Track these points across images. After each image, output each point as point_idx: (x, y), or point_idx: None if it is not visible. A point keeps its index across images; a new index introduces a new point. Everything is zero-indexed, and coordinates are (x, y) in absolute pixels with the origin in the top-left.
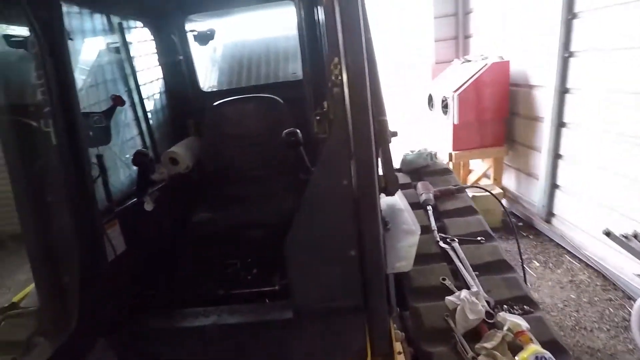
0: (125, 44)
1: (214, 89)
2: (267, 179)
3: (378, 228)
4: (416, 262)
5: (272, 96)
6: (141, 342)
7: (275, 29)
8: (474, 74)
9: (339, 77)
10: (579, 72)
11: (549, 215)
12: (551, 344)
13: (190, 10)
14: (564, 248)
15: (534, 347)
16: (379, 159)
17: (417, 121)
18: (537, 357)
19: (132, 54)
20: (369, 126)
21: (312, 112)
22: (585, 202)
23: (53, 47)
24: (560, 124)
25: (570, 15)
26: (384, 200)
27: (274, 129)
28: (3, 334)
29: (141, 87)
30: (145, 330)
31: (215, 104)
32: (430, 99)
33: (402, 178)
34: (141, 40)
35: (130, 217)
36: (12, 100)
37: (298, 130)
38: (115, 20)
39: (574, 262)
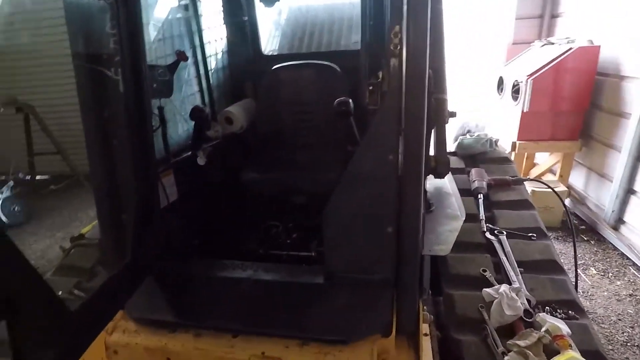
0: (194, 1)
1: (274, 53)
2: (317, 147)
3: (419, 208)
4: (457, 250)
5: (330, 64)
6: (181, 285)
7: None
8: (555, 58)
9: (398, 47)
10: None
11: (618, 221)
12: (593, 355)
13: None
14: (629, 259)
15: (572, 354)
16: (432, 139)
17: (483, 105)
18: None
19: (199, 12)
20: (423, 102)
21: (366, 83)
22: None
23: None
24: None
25: None
26: (432, 182)
27: (328, 97)
28: (72, 260)
29: (205, 46)
30: (186, 274)
31: (274, 68)
32: (500, 82)
33: (456, 162)
34: None
35: (183, 169)
36: (88, 48)
37: (350, 100)
38: None
39: (638, 275)
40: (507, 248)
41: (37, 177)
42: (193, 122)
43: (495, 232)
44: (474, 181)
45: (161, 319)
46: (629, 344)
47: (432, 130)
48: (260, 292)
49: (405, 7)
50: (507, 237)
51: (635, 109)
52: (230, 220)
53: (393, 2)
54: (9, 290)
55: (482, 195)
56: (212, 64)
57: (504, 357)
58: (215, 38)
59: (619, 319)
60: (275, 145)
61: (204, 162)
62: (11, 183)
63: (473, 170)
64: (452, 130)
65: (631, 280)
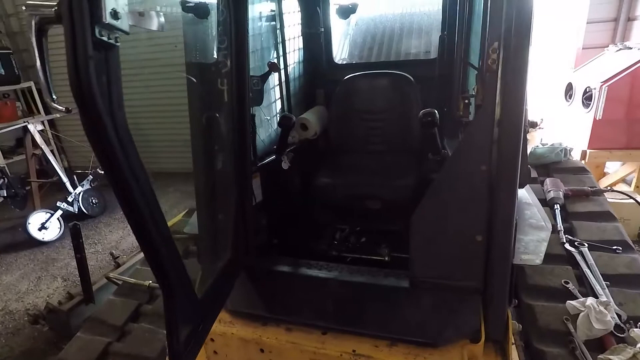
0: (280, 14)
1: (345, 62)
2: (389, 154)
3: (512, 217)
4: None
5: (403, 74)
6: (269, 281)
7: (411, 6)
8: (634, 64)
9: (496, 63)
10: None
11: None
12: None
13: None
14: None
15: None
16: None
17: (550, 112)
18: None
19: (283, 24)
20: (521, 117)
21: (458, 94)
22: None
23: (237, 17)
24: None
25: None
26: None
27: (401, 106)
28: None
29: (287, 55)
30: (273, 271)
31: (347, 77)
32: (569, 88)
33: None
34: (290, 11)
35: (268, 172)
36: (200, 60)
37: (435, 111)
38: None
39: None
40: (590, 260)
41: None
42: (279, 128)
43: (576, 243)
44: (550, 191)
45: (254, 312)
46: None
47: None
48: (346, 292)
49: (503, 25)
50: (589, 249)
51: None
52: (305, 223)
53: (492, 20)
54: (171, 279)
55: (558, 205)
56: (290, 72)
57: None
58: (294, 48)
59: None
60: (347, 151)
61: (287, 166)
62: (90, 177)
63: (548, 180)
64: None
65: None
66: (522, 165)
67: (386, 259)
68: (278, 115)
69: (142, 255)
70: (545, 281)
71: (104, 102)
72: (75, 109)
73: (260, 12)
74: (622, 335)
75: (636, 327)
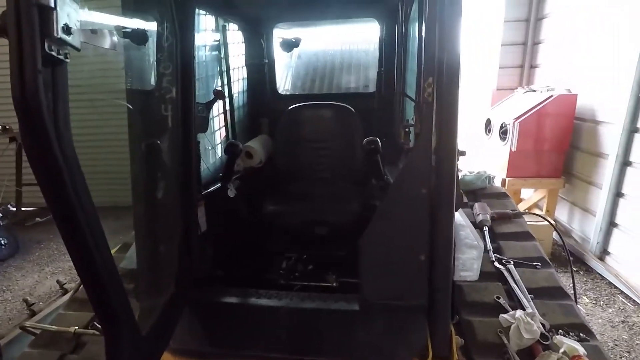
0: (225, 45)
1: (289, 92)
2: (333, 182)
3: (451, 236)
4: None
5: (345, 105)
6: (215, 314)
7: (352, 42)
8: (538, 104)
9: (431, 96)
10: None
11: (604, 252)
12: None
13: (281, 18)
14: (617, 287)
15: None
16: None
17: (472, 144)
18: None
19: (228, 54)
20: (454, 145)
21: (399, 124)
22: None
23: (184, 43)
24: (625, 163)
25: None
26: None
27: (344, 135)
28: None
29: (231, 85)
30: (219, 303)
31: (291, 107)
32: (488, 123)
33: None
34: (234, 42)
35: (213, 200)
36: (142, 86)
37: (378, 139)
38: (220, 22)
39: (627, 303)
40: (516, 276)
41: (23, 209)
42: (224, 157)
43: (504, 261)
44: (479, 214)
45: (201, 349)
46: None
47: None
48: (297, 319)
49: (436, 61)
50: (515, 266)
51: (611, 150)
52: (252, 252)
53: (427, 59)
54: (115, 313)
55: (486, 227)
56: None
57: None
58: (237, 78)
59: (616, 345)
60: (293, 179)
61: (234, 194)
62: None
63: (476, 205)
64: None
65: (621, 308)
66: (456, 190)
67: (334, 284)
68: (222, 143)
69: (63, 299)
70: (480, 297)
71: (50, 117)
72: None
73: (205, 41)
74: (547, 343)
75: (557, 335)
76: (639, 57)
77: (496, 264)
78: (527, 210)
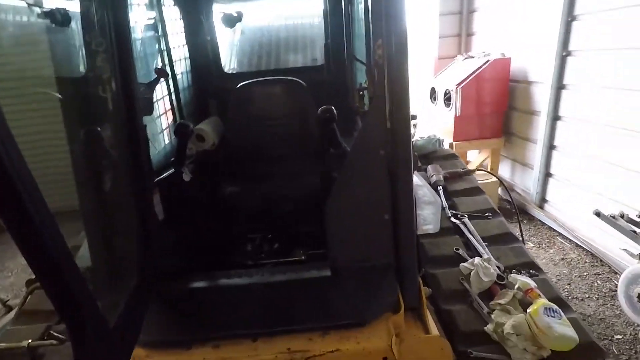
0: (162, 21)
1: (235, 71)
2: (291, 157)
3: (412, 194)
4: (430, 236)
5: (295, 79)
6: (185, 300)
7: (296, 17)
8: (476, 70)
9: (381, 57)
10: (575, 70)
11: (542, 201)
12: (556, 301)
13: None
14: (555, 231)
15: (543, 301)
16: None
17: (420, 112)
18: (546, 309)
19: (166, 31)
20: (408, 105)
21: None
22: (576, 189)
23: (117, 15)
24: (555, 118)
25: (569, 17)
26: None
27: (297, 110)
28: (34, 305)
29: (173, 64)
30: (188, 289)
31: (240, 85)
32: (432, 92)
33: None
34: (172, 18)
35: (167, 187)
36: (72, 69)
37: (333, 107)
38: None
39: (565, 242)
40: (472, 228)
41: None
42: (174, 141)
43: (459, 216)
44: (432, 175)
45: (175, 338)
46: (570, 297)
47: None
48: (271, 293)
49: (384, 22)
50: (469, 218)
51: (543, 107)
52: (216, 235)
53: (374, 21)
54: (82, 317)
55: (441, 186)
56: (179, 82)
57: (490, 316)
58: (179, 57)
59: (558, 280)
60: (249, 158)
61: (189, 178)
62: None
63: (429, 167)
64: None
65: (560, 247)
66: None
67: (303, 258)
68: (171, 126)
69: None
70: (441, 251)
71: None
72: None
73: (140, 17)
74: (503, 282)
75: (511, 274)
76: (561, 20)
77: (452, 219)
78: (474, 168)
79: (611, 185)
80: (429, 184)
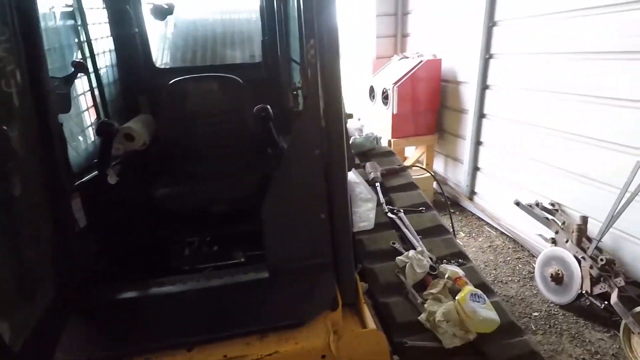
0: (81, 10)
1: (168, 66)
2: (227, 157)
3: (346, 193)
4: (368, 231)
5: (232, 76)
6: (114, 313)
7: (233, 12)
8: (411, 70)
9: (314, 57)
10: (497, 72)
11: (472, 193)
12: (481, 286)
13: None
14: (483, 220)
15: (469, 288)
16: None
17: (358, 110)
18: (472, 295)
19: (86, 21)
20: (340, 104)
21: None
22: (500, 181)
23: (21, 2)
24: (481, 115)
25: (491, 22)
26: None
27: (233, 108)
28: None
29: (96, 57)
30: (116, 300)
31: (173, 81)
32: (371, 90)
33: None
34: (93, 7)
35: (90, 191)
36: None
37: (269, 106)
38: None
39: (491, 231)
40: (407, 222)
41: None
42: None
43: (395, 211)
44: (370, 172)
45: (100, 355)
46: (495, 281)
47: None
48: (207, 299)
49: (316, 23)
50: (405, 213)
51: (470, 106)
52: (149, 241)
53: (306, 22)
54: None
55: (378, 183)
56: (103, 77)
57: (423, 305)
58: (103, 50)
59: (486, 265)
60: (183, 158)
61: (115, 180)
62: None
63: (367, 164)
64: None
65: (487, 236)
66: (348, 151)
67: (242, 260)
68: (93, 125)
69: None
70: (378, 246)
71: None
72: None
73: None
74: (435, 273)
75: (442, 264)
76: (484, 25)
77: (389, 214)
78: (410, 165)
79: (529, 177)
80: (367, 181)
